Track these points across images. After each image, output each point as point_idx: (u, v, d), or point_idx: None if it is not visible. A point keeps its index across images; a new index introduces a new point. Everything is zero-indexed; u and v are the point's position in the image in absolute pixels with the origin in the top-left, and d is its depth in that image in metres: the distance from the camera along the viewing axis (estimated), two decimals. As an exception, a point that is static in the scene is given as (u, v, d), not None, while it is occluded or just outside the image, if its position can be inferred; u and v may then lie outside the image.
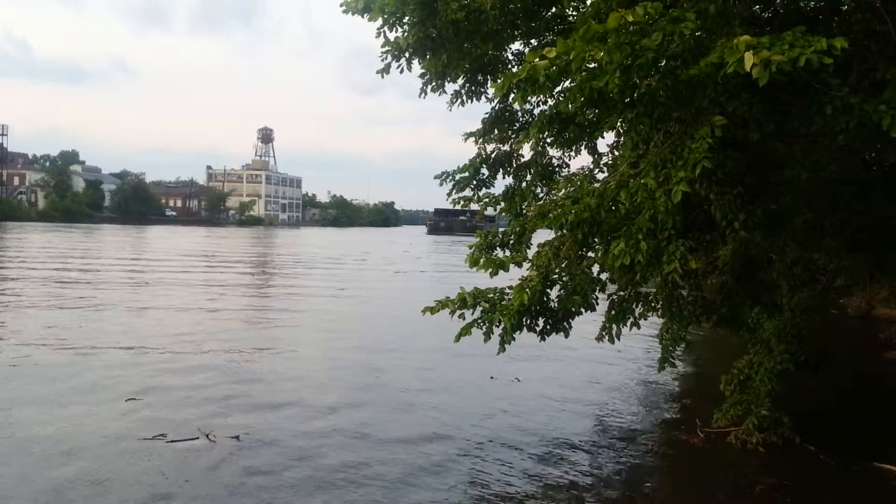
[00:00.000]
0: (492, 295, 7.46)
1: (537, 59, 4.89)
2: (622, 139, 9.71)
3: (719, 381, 8.74)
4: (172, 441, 7.90)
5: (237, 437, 8.08)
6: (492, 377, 11.40)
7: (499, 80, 5.72)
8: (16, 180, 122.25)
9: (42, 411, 8.82)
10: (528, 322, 7.31)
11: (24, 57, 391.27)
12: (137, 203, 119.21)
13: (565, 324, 7.51)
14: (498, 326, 7.19)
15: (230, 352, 13.12)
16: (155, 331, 14.92)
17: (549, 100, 9.04)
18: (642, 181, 5.78)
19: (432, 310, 7.50)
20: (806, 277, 9.28)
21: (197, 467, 7.21)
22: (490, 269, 7.41)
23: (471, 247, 8.08)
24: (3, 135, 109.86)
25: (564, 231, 7.01)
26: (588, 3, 7.24)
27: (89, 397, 9.55)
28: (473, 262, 7.67)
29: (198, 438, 8.02)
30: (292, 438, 8.18)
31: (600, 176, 9.48)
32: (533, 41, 9.88)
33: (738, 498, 6.98)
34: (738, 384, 8.54)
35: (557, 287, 7.28)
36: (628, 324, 7.67)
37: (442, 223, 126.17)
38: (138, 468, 7.12)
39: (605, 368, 12.47)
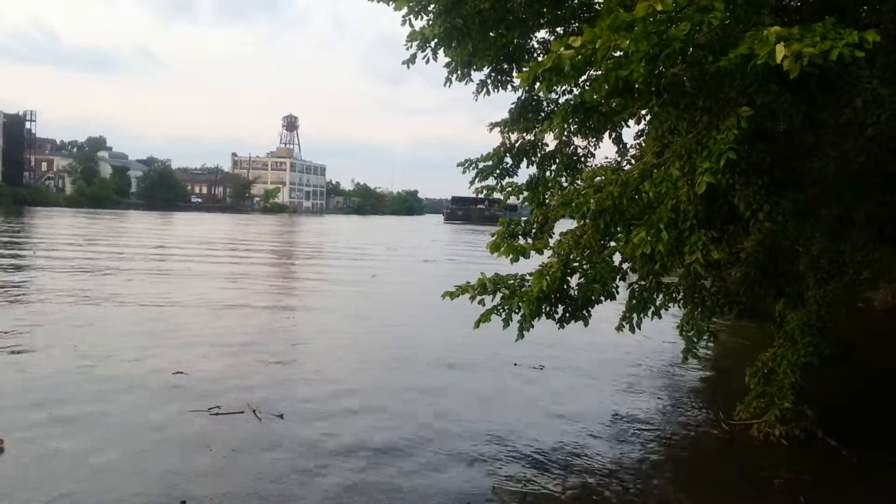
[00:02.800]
0: (512, 281, 7.49)
1: (562, 49, 4.87)
2: (647, 128, 9.65)
3: (743, 373, 8.69)
4: (220, 413, 8.27)
5: (281, 416, 8.34)
6: (515, 364, 11.46)
7: (524, 70, 5.73)
8: (44, 166, 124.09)
9: (105, 386, 9.28)
10: (548, 309, 7.34)
11: (52, 45, 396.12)
12: (163, 189, 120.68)
13: (585, 312, 7.52)
14: (517, 313, 7.23)
15: (273, 337, 13.52)
16: (195, 314, 15.24)
17: (574, 89, 9.01)
18: (667, 171, 5.76)
19: (452, 294, 7.57)
20: (833, 270, 9.18)
21: (246, 440, 7.55)
22: (511, 256, 7.44)
23: (493, 234, 8.12)
24: (31, 121, 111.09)
25: (586, 220, 7.01)
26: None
27: (141, 370, 10.15)
28: (494, 248, 7.70)
29: (243, 412, 8.33)
30: (332, 417, 8.49)
31: (627, 167, 9.44)
32: (559, 29, 9.83)
33: (757, 491, 6.96)
34: (761, 376, 8.49)
35: (577, 275, 7.29)
36: (649, 314, 7.66)
37: (459, 211, 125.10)
38: (186, 439, 7.49)
39: (627, 357, 12.46)
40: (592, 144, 10.05)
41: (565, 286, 7.39)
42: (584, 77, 6.81)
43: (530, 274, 7.34)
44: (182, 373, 9.98)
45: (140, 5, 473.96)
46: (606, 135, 9.99)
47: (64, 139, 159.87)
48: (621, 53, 5.06)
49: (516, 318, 7.35)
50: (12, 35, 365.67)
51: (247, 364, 10.97)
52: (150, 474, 6.54)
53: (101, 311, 15.04)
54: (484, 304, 7.60)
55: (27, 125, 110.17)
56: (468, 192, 9.98)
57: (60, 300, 16.05)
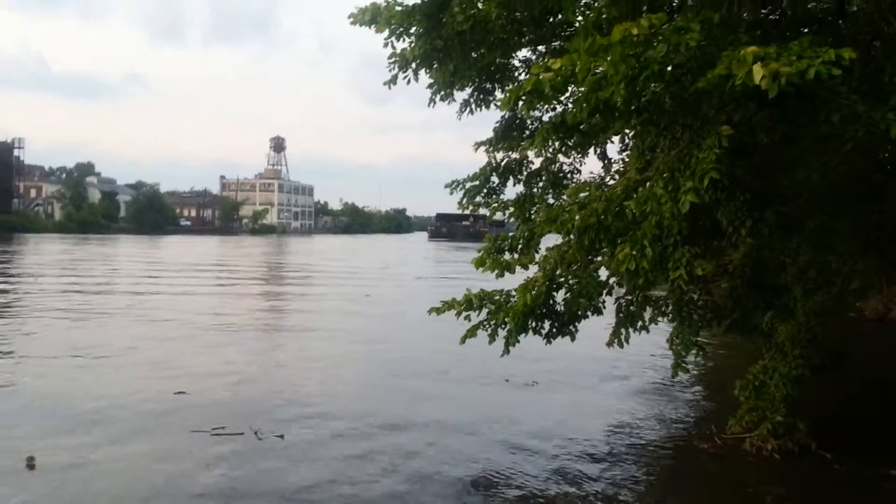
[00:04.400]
0: (498, 297, 7.53)
1: (542, 73, 4.90)
2: (630, 143, 9.71)
3: (734, 387, 8.67)
4: (221, 434, 8.28)
5: (282, 436, 8.32)
6: (507, 380, 11.41)
7: (507, 89, 5.76)
8: (32, 192, 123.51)
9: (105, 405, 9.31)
10: (534, 324, 7.36)
11: (40, 71, 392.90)
12: (152, 213, 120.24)
13: (571, 327, 7.52)
14: (503, 328, 7.23)
15: (272, 360, 13.46)
16: (192, 340, 14.99)
17: (557, 106, 9.07)
18: (651, 191, 5.78)
19: (438, 310, 7.60)
20: (820, 280, 9.18)
21: (247, 459, 7.58)
22: (496, 271, 7.46)
23: (479, 251, 8.12)
24: (19, 148, 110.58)
25: (571, 236, 7.03)
26: (591, 11, 7.24)
27: (141, 392, 10.17)
28: (479, 264, 7.73)
29: (243, 434, 8.33)
30: (331, 437, 8.44)
31: (611, 183, 9.48)
32: (541, 47, 9.91)
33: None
34: (752, 390, 8.46)
35: (563, 290, 7.30)
36: (637, 327, 7.65)
37: (444, 228, 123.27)
38: (188, 457, 7.54)
39: (616, 372, 12.42)
40: (578, 161, 10.13)
41: (551, 301, 7.41)
42: (566, 94, 6.86)
43: (516, 290, 7.34)
44: (184, 392, 10.05)
45: (129, 30, 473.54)
46: (592, 150, 10.06)
47: (52, 165, 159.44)
48: (601, 72, 5.10)
49: (502, 333, 7.36)
50: (0, 61, 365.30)
51: (246, 388, 10.88)
52: (154, 493, 6.60)
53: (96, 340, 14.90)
54: (470, 320, 7.61)
55: (15, 152, 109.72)
56: (453, 209, 10.04)
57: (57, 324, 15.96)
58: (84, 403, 9.49)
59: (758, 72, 4.15)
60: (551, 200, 9.79)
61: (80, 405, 9.42)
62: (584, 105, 5.09)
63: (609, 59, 4.64)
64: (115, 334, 15.30)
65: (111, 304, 20.48)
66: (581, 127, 6.68)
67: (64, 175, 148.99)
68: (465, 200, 9.87)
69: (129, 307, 20.31)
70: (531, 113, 9.22)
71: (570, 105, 7.46)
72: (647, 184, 6.09)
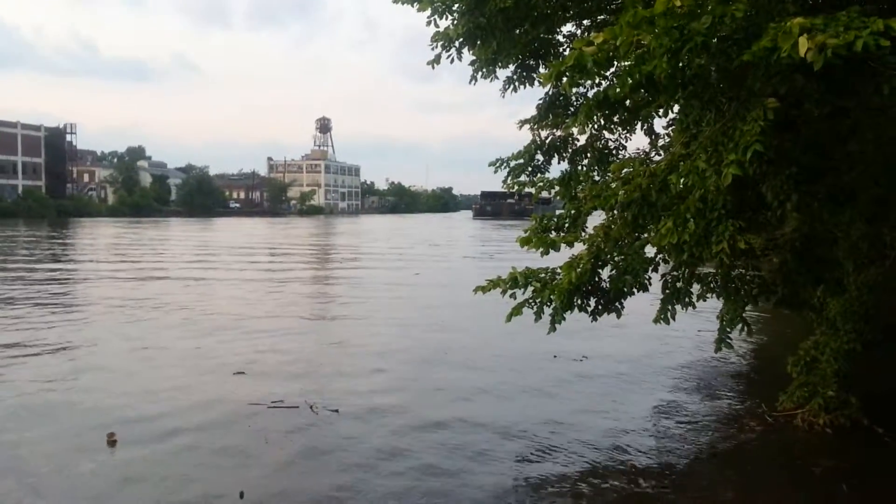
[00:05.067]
0: (543, 275, 7.55)
1: (584, 46, 4.90)
2: (676, 117, 9.58)
3: (784, 363, 8.59)
4: (279, 407, 8.75)
5: (336, 411, 8.66)
6: (555, 356, 11.47)
7: (548, 68, 5.75)
8: (86, 177, 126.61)
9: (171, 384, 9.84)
10: (580, 302, 7.37)
11: (90, 57, 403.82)
12: (202, 196, 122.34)
13: (617, 304, 7.52)
14: (549, 306, 7.26)
15: (327, 340, 13.77)
16: (247, 321, 15.40)
17: (603, 82, 8.99)
18: (693, 164, 5.74)
19: (483, 289, 7.67)
20: (873, 254, 8.99)
21: (303, 433, 7.95)
22: (541, 249, 7.49)
23: (526, 230, 8.15)
24: (72, 133, 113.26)
25: (615, 212, 7.03)
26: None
27: (203, 374, 10.65)
28: (525, 242, 7.76)
29: (298, 407, 8.75)
30: (384, 413, 8.72)
31: (657, 158, 9.39)
32: (585, 22, 9.81)
33: (799, 480, 6.92)
34: (804, 365, 8.36)
35: (609, 267, 7.29)
36: (684, 304, 7.62)
37: (489, 207, 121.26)
38: (246, 431, 7.97)
39: (664, 348, 12.38)
40: (623, 137, 10.04)
41: (597, 278, 7.41)
42: (610, 70, 6.82)
43: (561, 267, 7.37)
44: (242, 373, 10.47)
45: (176, 15, 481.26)
46: (638, 126, 9.96)
47: (104, 150, 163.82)
48: (644, 45, 5.06)
49: (548, 311, 7.40)
50: (53, 49, 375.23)
51: (301, 365, 11.24)
52: (211, 465, 6.94)
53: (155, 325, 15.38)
54: (515, 298, 7.67)
55: (68, 138, 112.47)
56: (497, 187, 10.06)
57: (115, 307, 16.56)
58: (151, 384, 9.91)
59: (803, 44, 4.09)
60: (597, 177, 9.73)
61: (148, 386, 9.81)
62: (628, 80, 5.07)
63: (652, 31, 4.61)
64: (173, 320, 15.68)
65: (167, 290, 20.97)
66: (626, 102, 6.63)
67: (116, 159, 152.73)
68: (509, 179, 9.87)
69: (185, 290, 20.93)
70: (575, 89, 9.14)
71: (614, 80, 7.42)
72: (691, 158, 6.05)
